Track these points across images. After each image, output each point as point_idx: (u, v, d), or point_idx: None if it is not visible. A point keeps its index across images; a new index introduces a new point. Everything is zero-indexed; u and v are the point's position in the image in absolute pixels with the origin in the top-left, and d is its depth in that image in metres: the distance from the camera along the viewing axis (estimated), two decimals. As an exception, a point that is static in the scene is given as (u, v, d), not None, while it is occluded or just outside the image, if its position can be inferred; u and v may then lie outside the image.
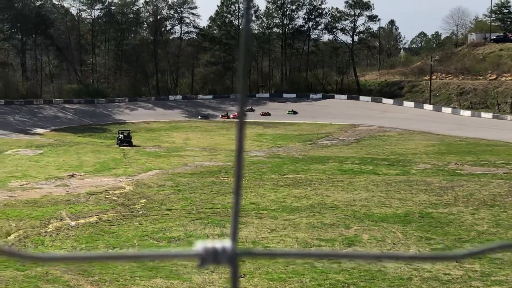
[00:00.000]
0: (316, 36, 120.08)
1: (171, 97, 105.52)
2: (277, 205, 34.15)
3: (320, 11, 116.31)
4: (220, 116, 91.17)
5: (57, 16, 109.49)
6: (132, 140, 62.86)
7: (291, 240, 27.42)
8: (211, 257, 1.06)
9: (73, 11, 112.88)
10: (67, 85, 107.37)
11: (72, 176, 44.18)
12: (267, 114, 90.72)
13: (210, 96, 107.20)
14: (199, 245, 1.07)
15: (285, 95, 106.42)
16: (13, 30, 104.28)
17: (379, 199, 35.47)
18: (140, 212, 33.01)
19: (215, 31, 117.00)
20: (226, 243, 1.08)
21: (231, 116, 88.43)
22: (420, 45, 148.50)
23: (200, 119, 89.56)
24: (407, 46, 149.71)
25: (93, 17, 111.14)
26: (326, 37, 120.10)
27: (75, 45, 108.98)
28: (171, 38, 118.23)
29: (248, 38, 1.17)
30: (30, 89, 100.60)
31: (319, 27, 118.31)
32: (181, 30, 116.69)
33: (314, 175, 43.25)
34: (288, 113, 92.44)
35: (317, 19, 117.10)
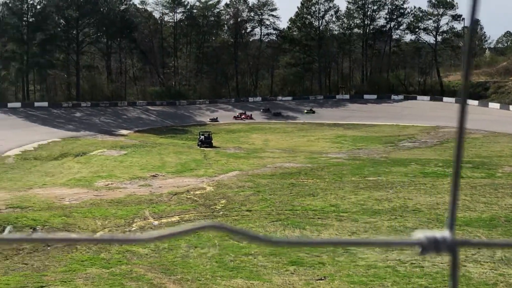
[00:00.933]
0: (397, 36, 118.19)
1: (250, 99, 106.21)
2: (358, 208, 33.73)
3: (402, 11, 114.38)
4: (233, 117, 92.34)
5: (141, 20, 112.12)
6: (212, 141, 63.64)
7: (373, 243, 26.93)
8: (432, 246, 1.09)
9: (156, 14, 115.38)
10: (150, 88, 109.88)
11: (155, 176, 45.07)
12: (249, 117, 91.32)
13: (290, 98, 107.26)
14: (420, 234, 1.10)
15: (365, 96, 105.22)
16: (99, 34, 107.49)
17: (463, 202, 34.46)
18: (221, 213, 33.31)
19: (295, 33, 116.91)
20: (445, 233, 1.11)
21: (242, 116, 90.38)
22: (506, 44, 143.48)
23: (209, 121, 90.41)
24: (492, 46, 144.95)
25: (175, 20, 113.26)
26: (408, 37, 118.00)
27: (157, 48, 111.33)
28: (251, 40, 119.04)
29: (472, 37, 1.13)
30: (114, 91, 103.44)
31: (401, 27, 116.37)
32: (261, 32, 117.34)
33: (396, 177, 42.49)
34: (306, 113, 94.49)
35: (399, 19, 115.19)
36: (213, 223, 1.13)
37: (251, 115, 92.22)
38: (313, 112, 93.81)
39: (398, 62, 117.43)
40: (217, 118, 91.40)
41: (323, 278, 22.28)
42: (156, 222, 31.20)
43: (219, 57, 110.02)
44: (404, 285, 21.81)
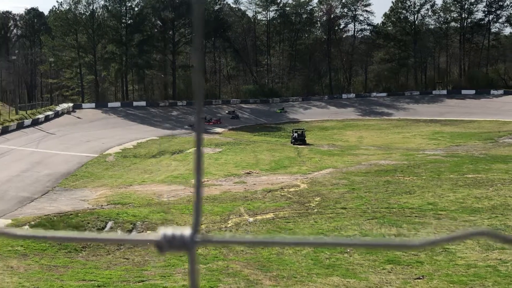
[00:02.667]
0: (496, 29, 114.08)
1: (344, 96, 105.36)
2: (457, 206, 32.76)
3: (501, 3, 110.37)
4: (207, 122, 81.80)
5: (234, 19, 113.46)
6: (306, 138, 63.56)
7: (472, 242, 26.17)
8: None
9: (249, 13, 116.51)
10: (244, 86, 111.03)
11: (249, 173, 45.47)
12: (218, 121, 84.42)
13: (384, 94, 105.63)
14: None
15: (463, 92, 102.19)
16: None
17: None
18: (315, 210, 33.18)
19: (389, 28, 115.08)
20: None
21: (212, 121, 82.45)
22: None
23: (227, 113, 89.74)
24: None
25: (268, 18, 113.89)
26: (508, 30, 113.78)
27: (251, 46, 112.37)
28: (344, 36, 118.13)
29: None
30: (209, 90, 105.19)
31: (500, 20, 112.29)
32: (354, 28, 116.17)
33: (496, 175, 40.97)
34: (279, 111, 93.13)
35: (498, 12, 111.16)
36: (488, 230, 1.10)
37: (220, 119, 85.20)
38: (285, 111, 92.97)
39: (497, 56, 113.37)
40: (234, 111, 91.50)
41: (421, 277, 21.80)
42: (251, 219, 31.46)
43: (312, 54, 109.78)
44: (506, 285, 21.01)
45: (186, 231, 1.11)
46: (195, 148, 1.09)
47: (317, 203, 34.92)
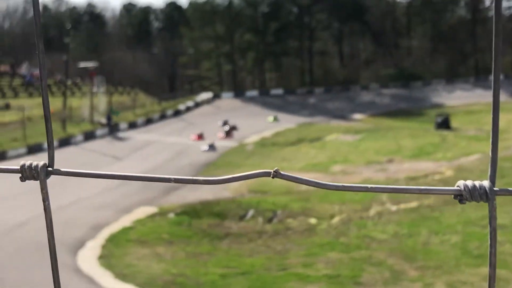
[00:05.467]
0: None
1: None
2: None
3: None
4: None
5: (372, 2, 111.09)
6: (450, 123, 60.95)
7: None
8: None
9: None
10: (383, 70, 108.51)
11: (391, 161, 44.12)
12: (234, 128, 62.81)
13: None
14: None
15: None
16: (331, 20, 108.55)
17: None
18: (464, 198, 31.45)
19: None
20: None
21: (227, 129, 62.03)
22: None
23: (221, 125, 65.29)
24: None
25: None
26: None
27: (390, 29, 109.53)
28: (489, 15, 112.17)
29: None
30: (347, 76, 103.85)
31: None
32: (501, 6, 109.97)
33: None
34: (273, 121, 70.67)
35: None
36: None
37: (235, 127, 63.32)
38: (278, 120, 71.56)
39: None
40: (227, 121, 66.25)
41: None
42: (394, 207, 30.36)
43: (455, 35, 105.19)
44: None
45: (485, 182, 1.15)
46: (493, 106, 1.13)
47: (464, 190, 33.08)
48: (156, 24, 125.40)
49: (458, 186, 1.16)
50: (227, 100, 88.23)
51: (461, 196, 1.15)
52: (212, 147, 51.28)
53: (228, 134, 58.72)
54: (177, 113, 74.40)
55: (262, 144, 56.06)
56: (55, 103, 57.04)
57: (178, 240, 27.13)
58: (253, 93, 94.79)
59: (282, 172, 1.26)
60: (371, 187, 1.24)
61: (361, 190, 1.24)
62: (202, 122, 68.61)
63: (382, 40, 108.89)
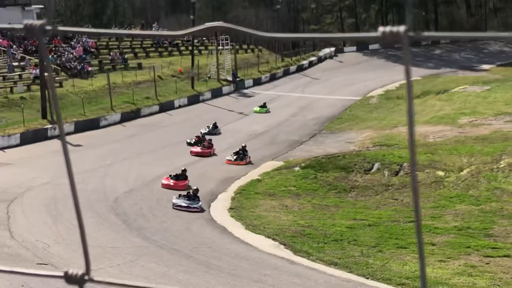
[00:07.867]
0: None
1: None
2: None
3: None
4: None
5: None
6: None
7: None
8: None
9: None
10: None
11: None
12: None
13: None
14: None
15: None
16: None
17: None
18: None
19: None
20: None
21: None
22: None
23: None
24: None
25: None
26: None
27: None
28: None
29: None
30: (474, 25, 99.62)
31: None
32: None
33: None
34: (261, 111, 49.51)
35: None
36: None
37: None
38: (269, 111, 50.64)
39: None
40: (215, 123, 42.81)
41: None
42: (526, 160, 29.47)
43: None
44: None
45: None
46: None
47: None
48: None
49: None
50: (350, 54, 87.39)
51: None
52: None
53: None
54: (300, 68, 74.71)
55: (387, 97, 55.48)
56: (184, 62, 59.10)
57: (304, 193, 27.86)
58: (376, 46, 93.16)
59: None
60: None
61: None
62: (325, 77, 68.68)
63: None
